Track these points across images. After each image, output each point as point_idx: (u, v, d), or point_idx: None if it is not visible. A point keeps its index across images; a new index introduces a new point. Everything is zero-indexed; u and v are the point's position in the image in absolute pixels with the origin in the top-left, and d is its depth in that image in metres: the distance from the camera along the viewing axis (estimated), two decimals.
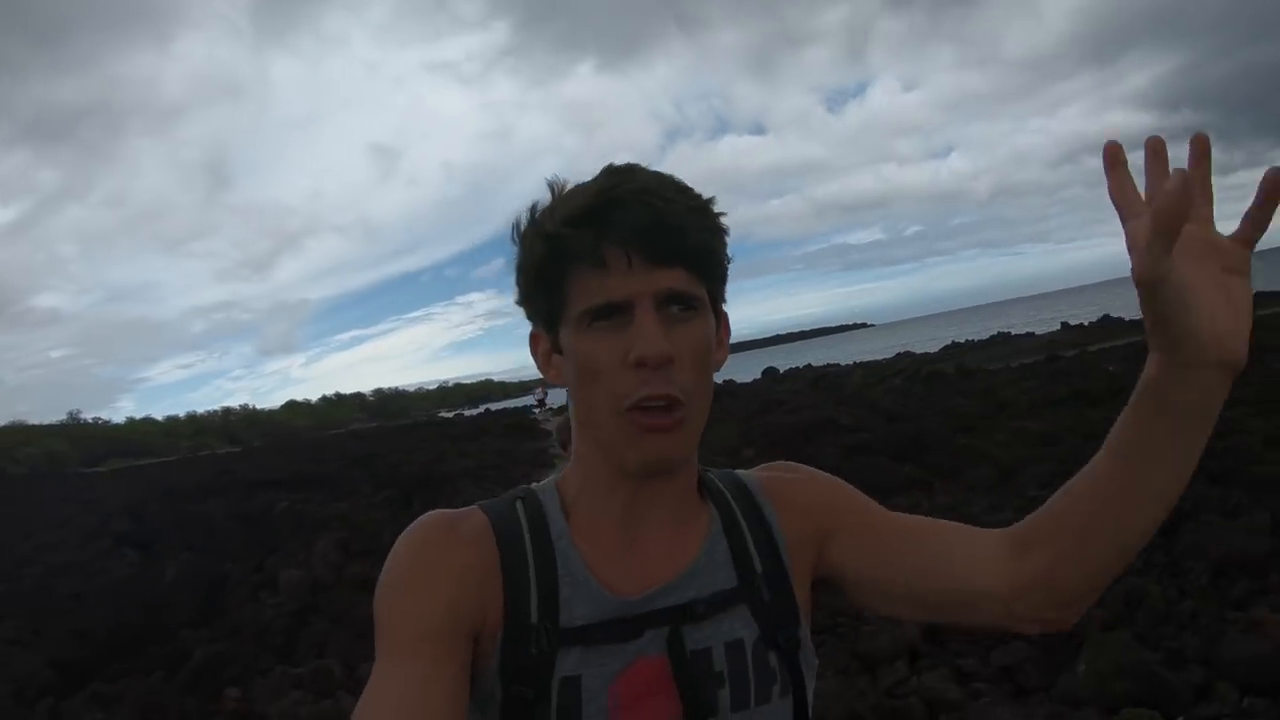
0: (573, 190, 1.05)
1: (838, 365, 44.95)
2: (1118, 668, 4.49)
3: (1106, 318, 40.17)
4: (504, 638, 1.01)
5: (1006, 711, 4.17)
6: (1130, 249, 0.82)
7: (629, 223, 0.98)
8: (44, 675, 6.59)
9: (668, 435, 1.00)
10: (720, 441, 14.51)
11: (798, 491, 1.19)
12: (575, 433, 1.11)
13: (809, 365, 50.83)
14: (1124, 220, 0.85)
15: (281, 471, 23.02)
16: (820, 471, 1.24)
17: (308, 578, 8.29)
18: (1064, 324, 44.40)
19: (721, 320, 1.12)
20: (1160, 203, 0.76)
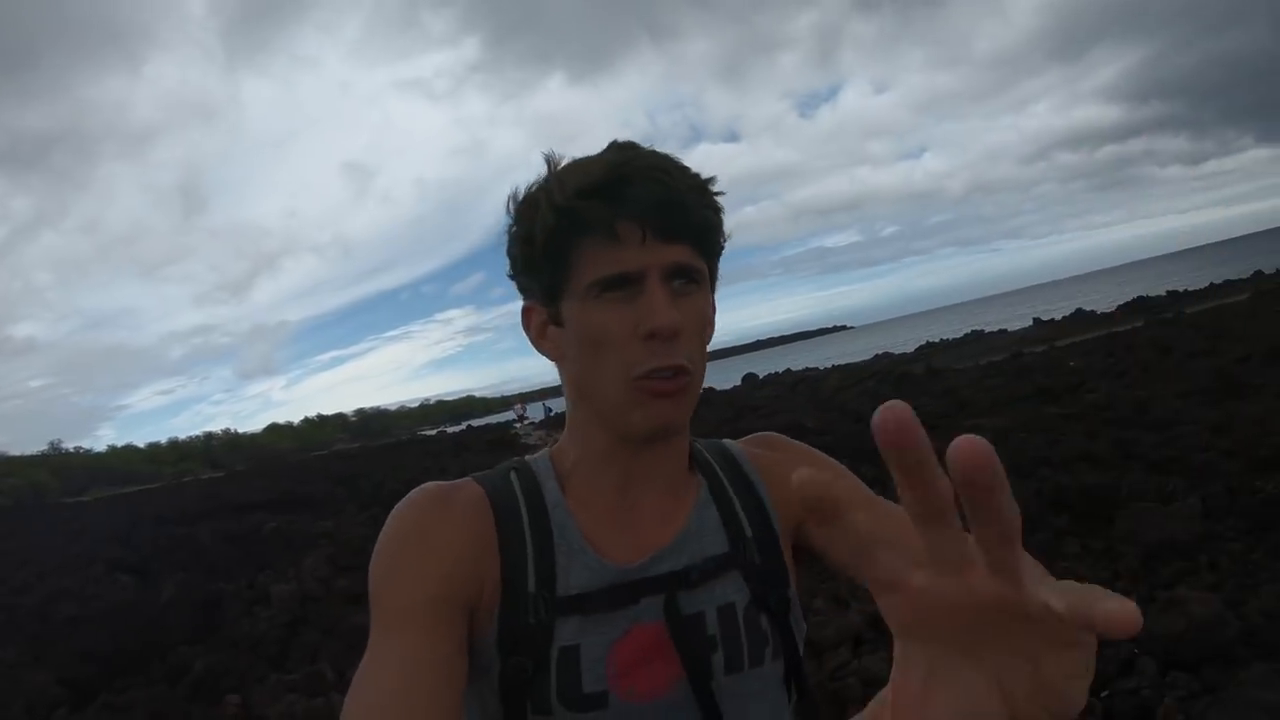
0: (579, 163, 1.07)
1: (817, 369, 44.92)
2: None
3: (1079, 311, 40.85)
4: (502, 608, 1.03)
5: None
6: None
7: (642, 198, 1.01)
8: (53, 692, 6.87)
9: (672, 400, 1.04)
10: None
11: (788, 466, 1.18)
12: (572, 405, 1.13)
13: (789, 370, 51.03)
14: (929, 550, 0.52)
15: (267, 494, 23.13)
16: (812, 450, 1.26)
17: (298, 592, 8.61)
18: (1036, 320, 44.62)
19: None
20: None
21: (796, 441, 1.29)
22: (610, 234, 1.01)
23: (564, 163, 1.08)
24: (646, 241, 1.01)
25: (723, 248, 1.12)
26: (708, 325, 1.10)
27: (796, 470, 1.05)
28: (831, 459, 1.22)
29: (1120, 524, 6.58)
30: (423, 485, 1.10)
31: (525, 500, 1.09)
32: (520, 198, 1.10)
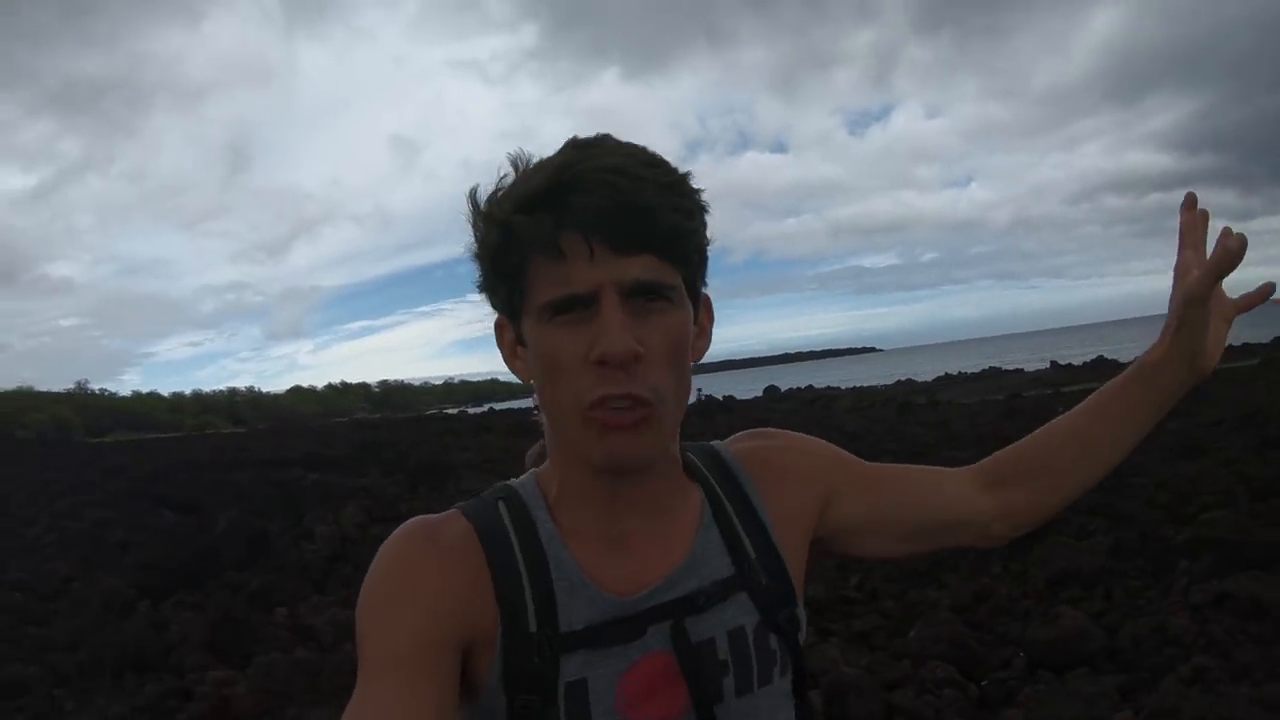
0: (533, 168, 0.97)
1: (838, 389, 45.20)
2: (938, 636, 5.93)
3: (1101, 359, 40.50)
4: (503, 647, 0.98)
5: (838, 653, 5.61)
6: (1181, 274, 1.14)
7: (589, 206, 0.90)
8: (126, 593, 8.03)
9: (631, 433, 0.95)
10: None
11: (785, 463, 1.17)
12: (547, 429, 1.07)
13: (810, 386, 51.41)
14: (1181, 246, 1.16)
15: (295, 452, 24.06)
16: (800, 435, 1.24)
17: (338, 533, 9.88)
18: (1053, 363, 44.98)
19: (702, 305, 1.06)
20: (1223, 249, 1.05)
21: (787, 433, 1.25)
22: (554, 250, 0.92)
23: (531, 163, 0.99)
24: (595, 256, 0.91)
25: (703, 255, 1.02)
26: (683, 345, 0.98)
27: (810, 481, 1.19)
28: (821, 441, 1.24)
29: (1037, 551, 7.49)
30: (408, 522, 1.06)
31: (517, 534, 1.03)
32: (476, 204, 1.01)
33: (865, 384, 49.62)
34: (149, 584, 8.42)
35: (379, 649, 0.95)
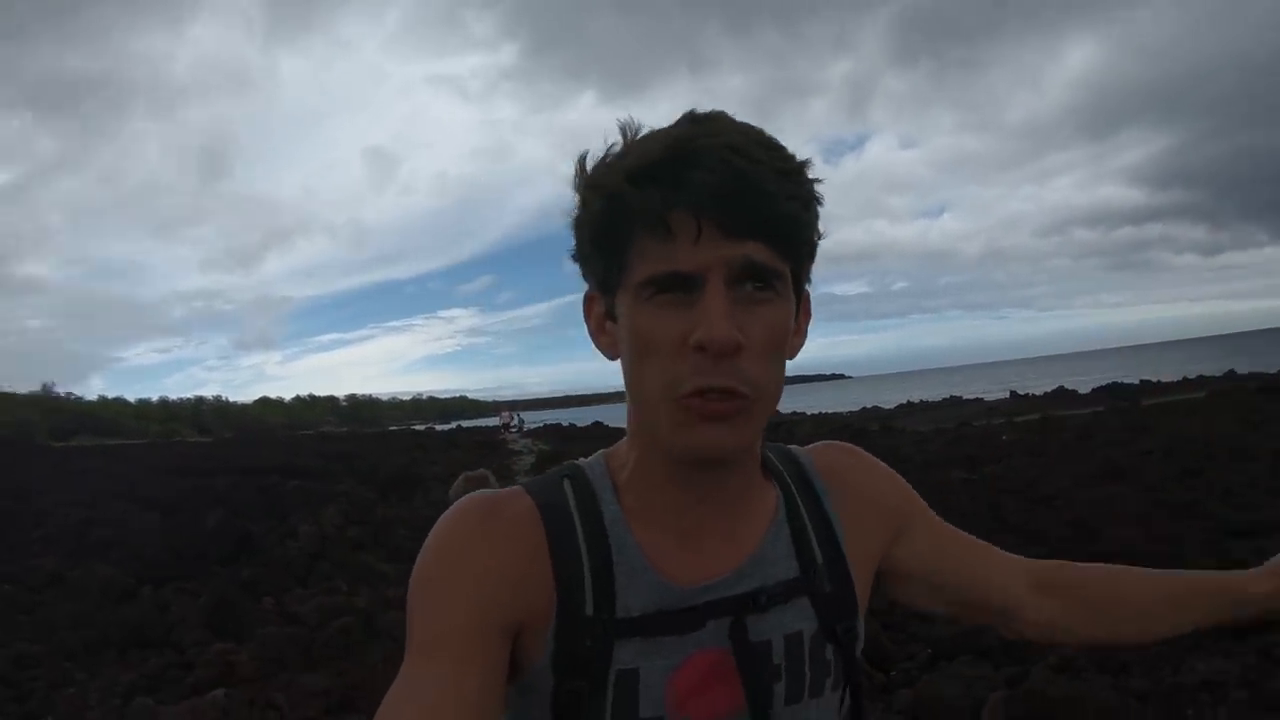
0: (645, 138, 0.93)
1: (803, 414, 45.63)
2: None
3: (1061, 389, 41.28)
4: (556, 629, 0.95)
5: None
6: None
7: (704, 184, 0.85)
8: (123, 580, 8.67)
9: (724, 425, 0.90)
10: None
11: (864, 481, 1.14)
12: (629, 410, 1.01)
13: (777, 411, 52.01)
14: None
15: (266, 461, 24.37)
16: (881, 462, 1.20)
17: (319, 533, 10.66)
18: (1012, 392, 46.07)
19: (803, 303, 1.01)
20: None
21: (869, 455, 1.21)
22: (661, 228, 0.87)
23: (642, 133, 0.94)
24: (703, 238, 0.86)
25: (812, 250, 0.96)
26: (784, 341, 0.94)
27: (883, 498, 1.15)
28: (900, 477, 1.20)
29: None
30: (470, 495, 1.02)
31: (580, 514, 0.99)
32: (584, 168, 0.96)
33: (831, 410, 50.32)
34: (142, 574, 9.04)
35: (428, 628, 0.93)
